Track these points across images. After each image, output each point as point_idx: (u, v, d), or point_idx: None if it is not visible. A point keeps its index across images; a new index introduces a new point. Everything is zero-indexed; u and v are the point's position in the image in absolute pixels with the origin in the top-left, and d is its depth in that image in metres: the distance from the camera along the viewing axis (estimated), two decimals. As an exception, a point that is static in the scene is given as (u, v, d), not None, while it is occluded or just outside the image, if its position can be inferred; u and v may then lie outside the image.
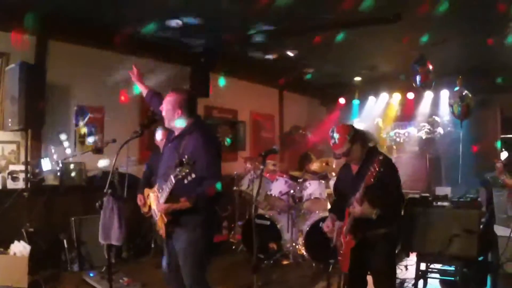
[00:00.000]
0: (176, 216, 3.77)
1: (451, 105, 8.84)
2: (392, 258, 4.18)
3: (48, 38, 6.74)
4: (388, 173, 3.70)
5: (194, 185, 3.55)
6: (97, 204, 3.95)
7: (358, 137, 3.99)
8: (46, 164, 6.53)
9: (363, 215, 3.72)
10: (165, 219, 3.77)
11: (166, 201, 3.69)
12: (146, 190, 4.32)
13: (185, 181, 3.37)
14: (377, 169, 3.54)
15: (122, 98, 7.48)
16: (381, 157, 3.70)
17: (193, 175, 3.35)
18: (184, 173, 3.35)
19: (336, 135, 3.96)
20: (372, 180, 3.56)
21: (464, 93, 8.64)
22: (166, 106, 3.91)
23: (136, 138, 4.09)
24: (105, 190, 3.92)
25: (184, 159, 3.41)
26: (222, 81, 9.25)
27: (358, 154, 3.99)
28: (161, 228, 3.89)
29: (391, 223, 3.91)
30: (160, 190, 3.80)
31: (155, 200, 3.95)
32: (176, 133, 3.97)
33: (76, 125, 7.11)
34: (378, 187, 3.62)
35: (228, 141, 8.53)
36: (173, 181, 3.48)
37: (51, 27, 6.65)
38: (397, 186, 3.96)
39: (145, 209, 4.31)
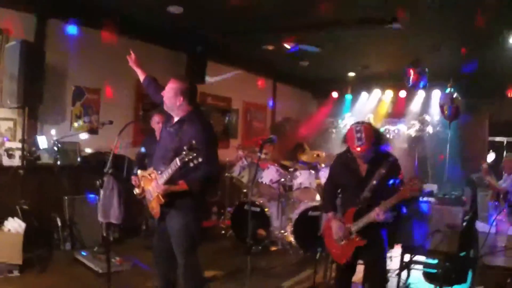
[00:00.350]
0: (171, 198, 3.90)
1: (441, 106, 8.99)
2: (386, 250, 4.32)
3: (47, 17, 6.76)
4: (397, 175, 3.88)
5: (190, 170, 3.67)
6: (97, 182, 4.04)
7: (379, 140, 4.01)
8: (42, 142, 6.57)
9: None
10: (162, 200, 3.89)
11: (165, 183, 3.82)
12: (141, 172, 4.42)
13: (191, 164, 3.49)
14: (418, 187, 3.66)
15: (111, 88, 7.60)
16: (391, 159, 3.92)
17: (200, 160, 3.48)
18: (191, 157, 3.47)
19: (363, 137, 3.85)
20: (408, 195, 3.68)
21: (454, 96, 8.80)
22: (169, 93, 4.01)
23: (138, 121, 4.18)
24: (105, 170, 3.99)
25: (192, 144, 3.53)
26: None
27: (370, 155, 3.98)
28: (155, 209, 4.01)
29: (394, 221, 4.02)
30: (159, 172, 3.90)
31: (151, 181, 4.03)
32: (176, 119, 4.09)
33: (73, 105, 7.16)
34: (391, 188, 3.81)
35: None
36: (178, 164, 3.58)
37: (51, 6, 6.69)
38: None
39: (139, 191, 4.40)
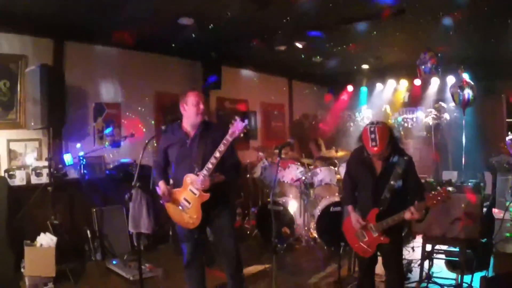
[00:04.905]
0: (216, 197, 4.06)
1: (452, 94, 8.94)
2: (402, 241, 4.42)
3: (63, 39, 7.00)
4: (414, 173, 4.04)
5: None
6: (126, 196, 4.17)
7: (394, 141, 4.06)
8: (68, 160, 6.81)
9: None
10: (207, 196, 4.00)
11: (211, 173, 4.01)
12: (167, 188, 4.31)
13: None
14: (444, 196, 3.74)
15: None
16: (406, 158, 4.00)
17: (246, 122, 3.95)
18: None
19: (377, 138, 3.91)
20: (434, 202, 3.77)
21: (466, 82, 8.76)
22: (202, 105, 4.23)
23: (161, 134, 4.31)
24: (133, 184, 4.07)
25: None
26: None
27: (386, 154, 4.04)
28: (195, 215, 4.05)
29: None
30: (197, 172, 4.05)
31: (186, 189, 4.08)
32: (195, 127, 4.25)
33: (95, 121, 7.41)
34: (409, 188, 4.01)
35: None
36: (230, 139, 3.92)
37: (66, 29, 6.88)
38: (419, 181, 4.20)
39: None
